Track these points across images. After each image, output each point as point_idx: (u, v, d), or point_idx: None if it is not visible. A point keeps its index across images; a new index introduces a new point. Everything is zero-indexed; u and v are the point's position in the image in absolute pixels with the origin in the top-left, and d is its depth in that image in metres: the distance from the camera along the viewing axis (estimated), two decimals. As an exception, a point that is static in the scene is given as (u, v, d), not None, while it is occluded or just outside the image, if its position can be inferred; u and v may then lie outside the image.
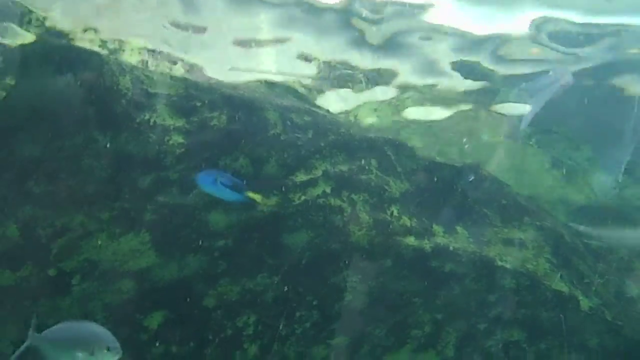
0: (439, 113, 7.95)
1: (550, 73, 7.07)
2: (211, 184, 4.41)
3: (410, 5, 5.93)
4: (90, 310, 4.68)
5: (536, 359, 5.64)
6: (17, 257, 4.62)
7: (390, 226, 5.35)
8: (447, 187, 5.94)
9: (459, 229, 5.73)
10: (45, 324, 4.52)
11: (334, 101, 6.98)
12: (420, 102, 7.69)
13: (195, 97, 5.14)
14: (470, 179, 5.86)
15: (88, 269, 4.72)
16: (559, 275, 5.87)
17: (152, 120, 4.91)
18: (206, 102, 5.14)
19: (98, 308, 4.70)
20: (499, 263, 5.58)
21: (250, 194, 4.49)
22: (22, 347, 4.13)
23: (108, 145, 4.82)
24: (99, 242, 4.74)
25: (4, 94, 5.13)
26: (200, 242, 4.92)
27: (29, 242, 4.65)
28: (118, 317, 4.73)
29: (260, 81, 5.66)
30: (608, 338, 5.70)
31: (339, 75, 6.74)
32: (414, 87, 7.45)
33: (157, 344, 4.77)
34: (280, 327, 4.98)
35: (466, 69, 7.18)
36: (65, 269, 4.67)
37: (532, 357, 5.62)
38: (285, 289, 5.03)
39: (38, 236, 4.67)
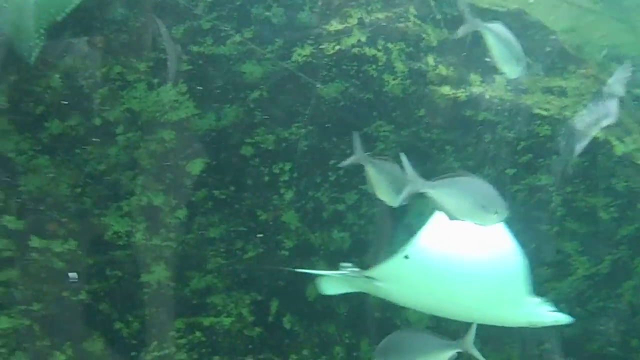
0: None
1: None
2: None
3: None
4: (136, 157, 5.00)
5: (562, 201, 5.84)
6: (63, 107, 4.84)
7: (426, 75, 5.28)
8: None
9: (497, 77, 5.60)
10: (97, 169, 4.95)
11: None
12: None
13: (225, -60, 4.84)
14: None
15: (131, 118, 4.94)
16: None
17: (180, -33, 4.72)
18: (237, -54, 4.84)
19: (144, 155, 5.00)
20: (536, 111, 5.54)
21: None
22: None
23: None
24: (139, 93, 4.90)
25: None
26: (236, 94, 5.02)
27: (73, 92, 4.83)
28: (163, 163, 5.07)
29: None
30: (636, 181, 5.80)
31: None
32: None
33: (200, 188, 5.15)
34: (315, 174, 5.26)
35: None
36: (109, 119, 4.91)
37: (558, 199, 5.83)
38: (319, 137, 5.22)
39: (80, 87, 4.83)
